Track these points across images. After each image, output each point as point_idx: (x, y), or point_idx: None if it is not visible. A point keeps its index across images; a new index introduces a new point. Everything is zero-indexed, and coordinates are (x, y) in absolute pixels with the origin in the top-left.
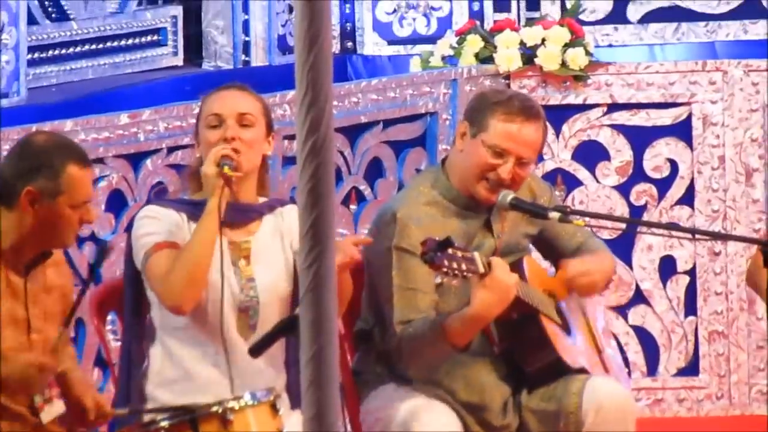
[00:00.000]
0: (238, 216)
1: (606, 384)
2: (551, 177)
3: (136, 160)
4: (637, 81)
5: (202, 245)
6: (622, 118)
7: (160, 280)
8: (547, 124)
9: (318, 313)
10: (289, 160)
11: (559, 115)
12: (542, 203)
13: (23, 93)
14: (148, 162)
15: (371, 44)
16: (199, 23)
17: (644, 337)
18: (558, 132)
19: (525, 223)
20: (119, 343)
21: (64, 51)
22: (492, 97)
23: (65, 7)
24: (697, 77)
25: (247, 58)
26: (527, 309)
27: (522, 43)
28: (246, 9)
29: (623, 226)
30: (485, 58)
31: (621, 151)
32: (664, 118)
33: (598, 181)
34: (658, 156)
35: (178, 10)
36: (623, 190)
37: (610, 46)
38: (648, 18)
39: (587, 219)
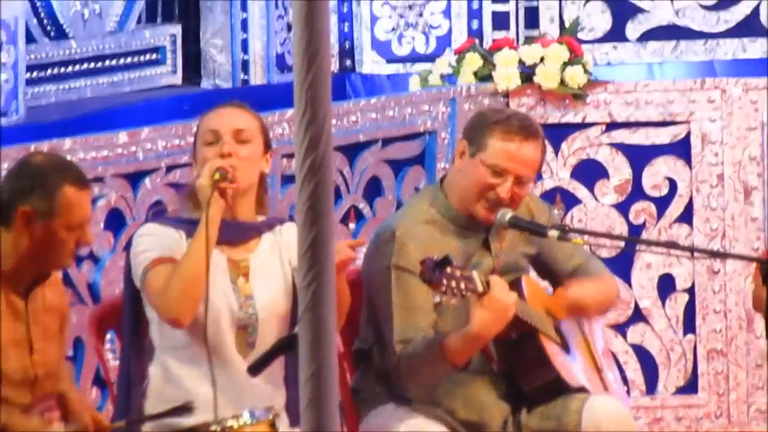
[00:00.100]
0: (237, 234)
1: (605, 402)
2: (550, 195)
3: (134, 178)
4: (635, 99)
5: (198, 256)
6: (621, 136)
7: (158, 293)
8: (546, 142)
9: (317, 332)
10: (288, 179)
11: (558, 133)
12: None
13: (22, 112)
14: (147, 181)
15: (370, 63)
16: (198, 42)
17: (643, 355)
18: (557, 150)
19: (523, 243)
20: (118, 363)
21: (62, 70)
22: (491, 116)
23: (64, 26)
24: (696, 95)
25: (245, 77)
26: (526, 328)
27: (521, 62)
28: (245, 28)
29: (622, 244)
30: (484, 76)
31: (620, 169)
32: (663, 136)
33: (597, 200)
34: (656, 174)
35: (176, 29)
36: (622, 208)
37: (609, 64)
38: (647, 36)
39: (586, 237)
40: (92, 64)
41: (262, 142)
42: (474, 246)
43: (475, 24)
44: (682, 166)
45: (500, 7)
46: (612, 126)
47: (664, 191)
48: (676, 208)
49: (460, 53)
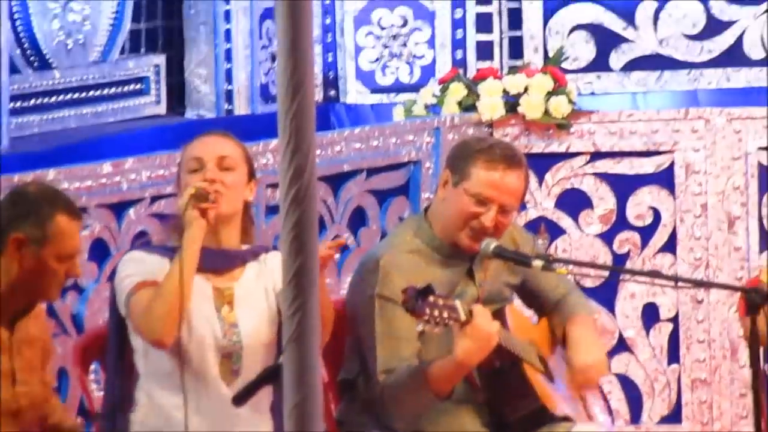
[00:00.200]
0: (222, 262)
1: None
2: (534, 225)
3: (119, 209)
4: (619, 129)
5: (179, 276)
6: (605, 166)
7: (141, 315)
8: (530, 172)
9: (301, 363)
10: (272, 210)
11: (542, 163)
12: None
13: (5, 142)
14: (131, 211)
15: (354, 93)
16: (182, 72)
17: (627, 384)
18: (541, 180)
19: (507, 273)
20: (102, 393)
21: (46, 100)
22: (474, 145)
23: (47, 56)
24: (680, 125)
25: (230, 107)
26: (510, 357)
27: (505, 92)
28: (229, 58)
29: (606, 274)
30: (468, 106)
31: (604, 199)
32: (647, 166)
33: (581, 230)
34: (640, 204)
35: (160, 59)
36: (606, 238)
37: (593, 94)
38: (630, 66)
39: (570, 267)
40: (76, 95)
41: (246, 170)
42: (458, 275)
43: (459, 54)
44: (666, 196)
45: (484, 37)
46: (596, 156)
47: (648, 221)
48: (659, 237)
49: (444, 83)
